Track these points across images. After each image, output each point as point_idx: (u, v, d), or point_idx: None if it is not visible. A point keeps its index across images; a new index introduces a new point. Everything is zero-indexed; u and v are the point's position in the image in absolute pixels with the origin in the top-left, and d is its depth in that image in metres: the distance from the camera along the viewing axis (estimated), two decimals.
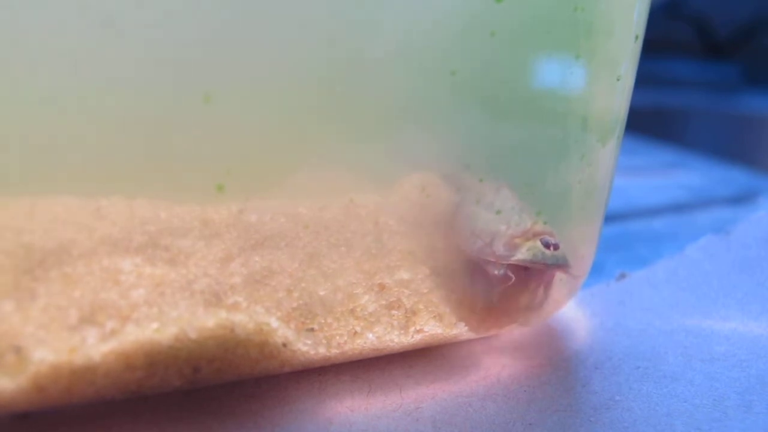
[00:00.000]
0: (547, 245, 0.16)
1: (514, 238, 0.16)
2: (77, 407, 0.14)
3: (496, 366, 0.17)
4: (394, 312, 0.16)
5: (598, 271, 0.24)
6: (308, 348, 0.15)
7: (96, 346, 0.13)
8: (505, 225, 0.16)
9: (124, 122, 0.13)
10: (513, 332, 0.19)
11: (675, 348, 0.19)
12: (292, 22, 0.13)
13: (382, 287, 0.16)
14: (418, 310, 0.16)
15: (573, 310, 0.21)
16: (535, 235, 0.17)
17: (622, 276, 0.24)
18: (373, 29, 0.14)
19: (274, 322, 0.14)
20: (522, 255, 0.16)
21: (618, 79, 0.17)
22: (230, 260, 0.14)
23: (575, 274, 0.18)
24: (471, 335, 0.17)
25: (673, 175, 0.50)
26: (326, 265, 0.15)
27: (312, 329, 0.15)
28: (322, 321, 0.15)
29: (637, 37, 0.17)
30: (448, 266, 0.17)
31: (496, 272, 0.17)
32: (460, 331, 0.17)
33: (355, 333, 0.15)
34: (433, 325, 0.16)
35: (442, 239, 0.16)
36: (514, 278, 0.17)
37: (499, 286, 0.17)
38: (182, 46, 0.13)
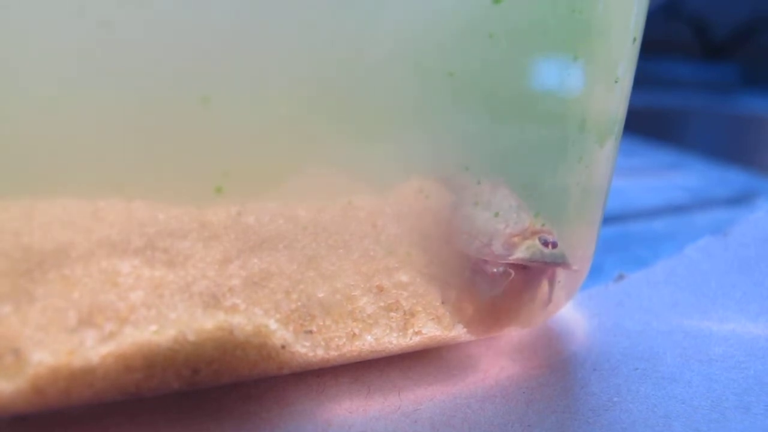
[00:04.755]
0: (545, 243, 0.16)
1: (513, 237, 0.16)
2: (75, 409, 0.14)
3: (495, 368, 0.17)
4: (392, 314, 0.16)
5: (596, 272, 0.24)
6: (307, 350, 0.15)
7: (94, 348, 0.13)
8: (503, 224, 0.16)
9: (122, 124, 0.13)
10: (511, 334, 0.19)
11: (673, 349, 0.19)
12: (290, 25, 0.13)
13: (380, 289, 0.16)
14: (416, 312, 0.16)
15: (571, 312, 0.21)
16: (534, 233, 0.17)
17: (621, 277, 0.24)
18: (371, 31, 0.14)
19: (272, 324, 0.14)
20: (521, 254, 0.16)
21: (616, 81, 0.17)
22: (229, 262, 0.14)
23: (574, 269, 0.18)
24: (470, 337, 0.17)
25: (671, 176, 0.50)
26: (325, 267, 0.15)
27: (310, 331, 0.15)
28: (321, 323, 0.15)
29: (635, 39, 0.17)
30: (447, 268, 0.17)
31: (494, 271, 0.17)
32: (458, 332, 0.17)
33: (354, 335, 0.15)
34: (432, 326, 0.16)
35: (441, 241, 0.16)
36: (513, 274, 0.17)
37: (498, 286, 0.17)
38: (180, 48, 0.13)
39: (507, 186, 0.17)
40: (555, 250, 0.16)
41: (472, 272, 0.17)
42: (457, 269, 0.17)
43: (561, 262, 0.17)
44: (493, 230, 0.16)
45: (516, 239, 0.16)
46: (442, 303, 0.16)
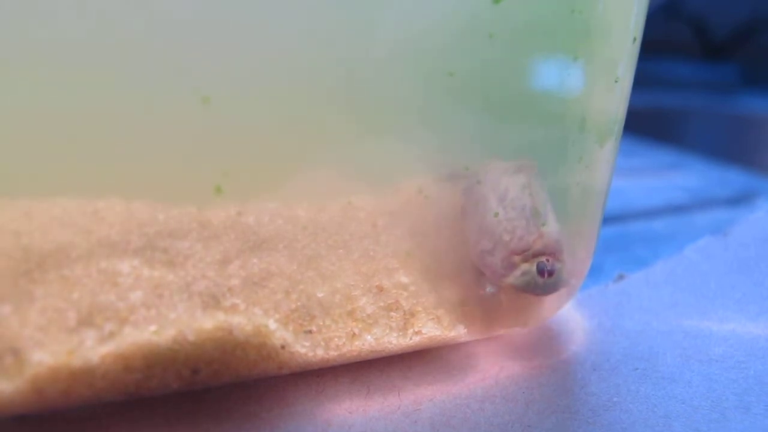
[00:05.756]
0: (542, 272, 0.16)
1: (514, 255, 0.16)
2: (75, 409, 0.14)
3: (495, 368, 0.17)
4: (392, 314, 0.16)
5: (596, 272, 0.24)
6: (306, 350, 0.15)
7: (94, 349, 0.13)
8: (509, 235, 0.16)
9: (122, 124, 0.13)
10: (511, 334, 0.19)
11: (673, 349, 0.19)
12: (291, 25, 0.13)
13: (380, 289, 0.16)
14: (416, 312, 0.16)
15: (571, 312, 0.21)
16: (535, 256, 0.16)
17: (621, 277, 0.24)
18: (371, 31, 0.14)
19: (272, 324, 0.14)
20: (514, 280, 0.16)
21: (616, 81, 0.17)
22: (228, 262, 0.14)
23: (572, 282, 0.18)
24: (469, 337, 0.17)
25: (671, 176, 0.50)
26: (324, 267, 0.15)
27: (310, 331, 0.15)
28: (321, 323, 0.15)
29: (634, 39, 0.17)
30: (446, 268, 0.17)
31: (486, 290, 0.17)
32: (458, 332, 0.17)
33: (354, 335, 0.15)
34: (432, 326, 0.16)
35: (441, 241, 0.16)
36: (502, 303, 0.17)
37: (487, 305, 0.17)
38: (181, 48, 0.13)
39: (531, 171, 0.16)
40: (549, 279, 0.16)
41: (471, 275, 0.17)
42: (456, 270, 0.17)
43: (555, 291, 0.17)
44: (498, 238, 0.16)
45: (516, 259, 0.16)
46: (442, 303, 0.16)
